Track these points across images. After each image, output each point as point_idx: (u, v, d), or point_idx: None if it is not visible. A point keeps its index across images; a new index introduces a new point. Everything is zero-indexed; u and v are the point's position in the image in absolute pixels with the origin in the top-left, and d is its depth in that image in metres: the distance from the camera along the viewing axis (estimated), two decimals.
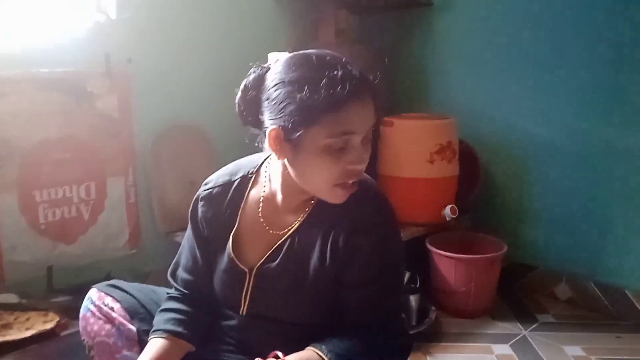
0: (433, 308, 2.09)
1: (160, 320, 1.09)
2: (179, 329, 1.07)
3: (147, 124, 2.04)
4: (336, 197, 0.98)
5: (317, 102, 0.89)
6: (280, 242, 1.05)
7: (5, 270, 1.73)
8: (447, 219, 2.21)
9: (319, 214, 1.03)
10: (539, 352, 1.91)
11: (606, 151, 2.14)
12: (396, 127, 2.22)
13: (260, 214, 1.08)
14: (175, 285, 1.15)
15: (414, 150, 2.19)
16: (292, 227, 1.04)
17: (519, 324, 2.12)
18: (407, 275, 2.12)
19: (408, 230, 2.21)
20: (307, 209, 1.04)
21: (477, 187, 2.43)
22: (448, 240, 2.25)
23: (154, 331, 1.07)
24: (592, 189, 2.20)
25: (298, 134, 0.91)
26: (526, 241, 2.40)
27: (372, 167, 2.32)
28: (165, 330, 1.06)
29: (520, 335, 2.04)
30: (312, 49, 0.99)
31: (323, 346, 0.96)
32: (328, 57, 0.94)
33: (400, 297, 1.11)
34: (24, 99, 1.72)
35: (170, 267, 1.17)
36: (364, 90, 0.93)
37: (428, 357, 1.88)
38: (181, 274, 1.14)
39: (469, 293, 2.13)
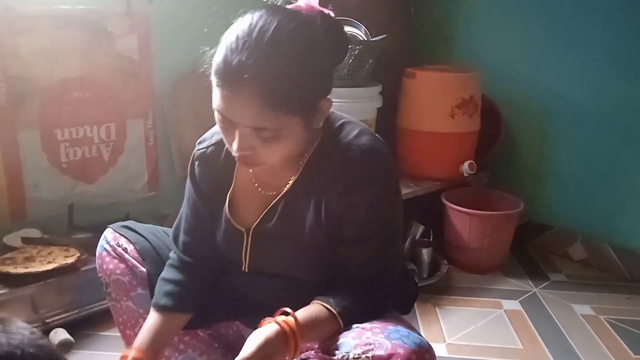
0: (445, 262, 2.11)
1: (158, 291, 1.10)
2: (173, 303, 1.08)
3: (167, 67, 2.03)
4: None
5: (213, 67, 0.90)
6: (274, 202, 1.02)
7: (28, 206, 1.78)
8: (465, 174, 2.20)
9: (311, 174, 1.00)
10: (548, 309, 1.93)
11: (631, 113, 2.08)
12: (418, 78, 2.18)
13: (251, 173, 1.06)
14: (176, 249, 1.14)
15: (435, 103, 2.16)
16: (285, 188, 1.02)
17: (530, 281, 2.14)
18: (421, 229, 2.13)
19: (424, 184, 2.20)
20: (298, 169, 1.01)
21: (497, 144, 2.39)
22: (464, 196, 2.24)
23: (153, 304, 1.09)
24: (614, 151, 2.15)
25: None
26: (544, 200, 2.38)
27: (392, 119, 2.29)
28: (162, 307, 1.08)
29: (531, 292, 2.05)
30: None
31: (330, 299, 0.97)
32: (258, 28, 0.88)
33: (399, 249, 1.09)
34: (44, 36, 1.70)
35: (172, 231, 1.16)
36: (241, 84, 0.84)
37: (437, 309, 1.91)
38: (182, 237, 1.13)
39: (482, 249, 2.14)
